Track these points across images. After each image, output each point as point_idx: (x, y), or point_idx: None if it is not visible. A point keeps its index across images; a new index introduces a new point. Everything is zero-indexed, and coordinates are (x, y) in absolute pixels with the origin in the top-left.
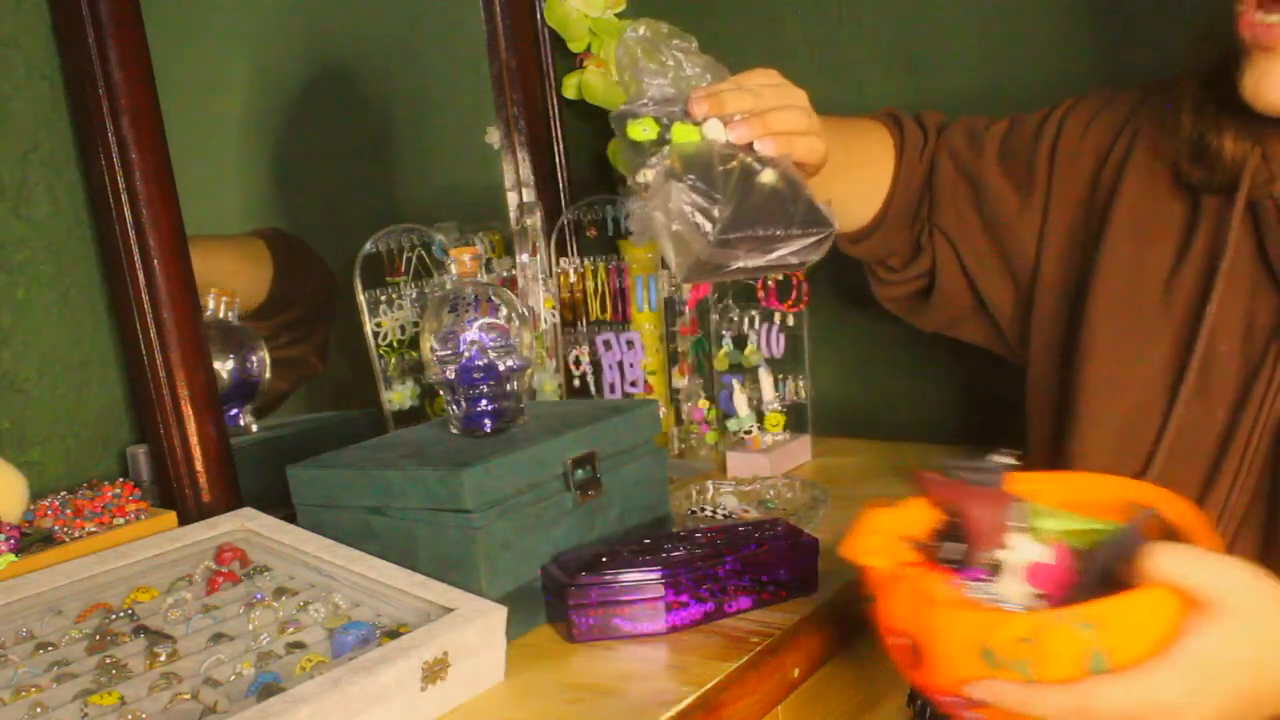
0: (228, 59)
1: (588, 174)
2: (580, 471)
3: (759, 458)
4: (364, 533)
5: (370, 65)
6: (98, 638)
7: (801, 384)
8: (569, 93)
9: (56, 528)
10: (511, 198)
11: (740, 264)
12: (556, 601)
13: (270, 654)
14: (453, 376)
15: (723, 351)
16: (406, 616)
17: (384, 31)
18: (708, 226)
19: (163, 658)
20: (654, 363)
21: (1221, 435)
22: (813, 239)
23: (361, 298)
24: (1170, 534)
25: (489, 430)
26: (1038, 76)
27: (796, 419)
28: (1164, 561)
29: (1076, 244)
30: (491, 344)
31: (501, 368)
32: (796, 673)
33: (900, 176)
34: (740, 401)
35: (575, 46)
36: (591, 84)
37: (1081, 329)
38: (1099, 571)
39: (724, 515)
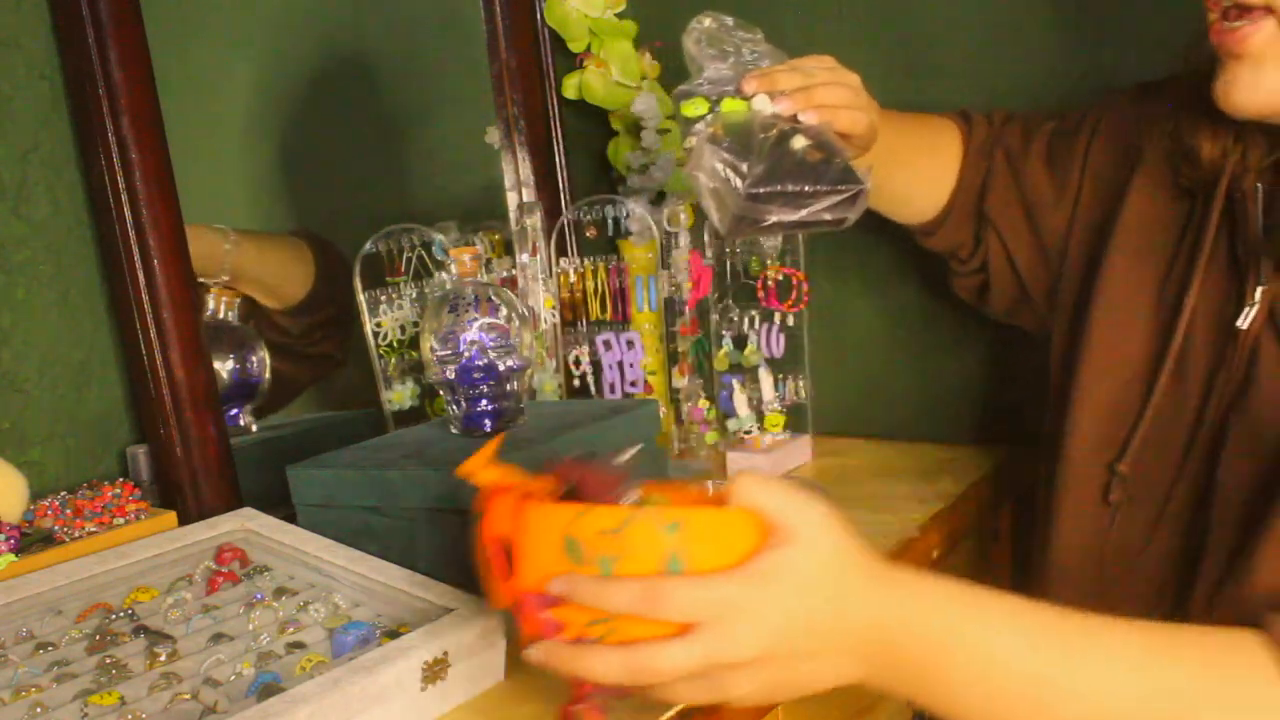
0: (228, 59)
1: (588, 174)
2: None
3: (759, 458)
4: (364, 533)
5: (370, 65)
6: (98, 638)
7: (801, 384)
8: (569, 93)
9: (56, 528)
10: (511, 198)
11: (775, 219)
12: None
13: (270, 654)
14: (453, 376)
15: (723, 351)
16: (406, 616)
17: (384, 32)
18: (738, 182)
19: (163, 658)
20: (654, 363)
21: (1192, 425)
22: (843, 195)
23: (361, 298)
24: None
25: (489, 430)
26: (1038, 76)
27: (796, 419)
28: (747, 487)
29: (1096, 238)
30: (491, 344)
31: (501, 368)
32: None
33: (965, 169)
34: (740, 401)
35: (575, 46)
36: (591, 84)
37: (1085, 318)
38: None
39: None
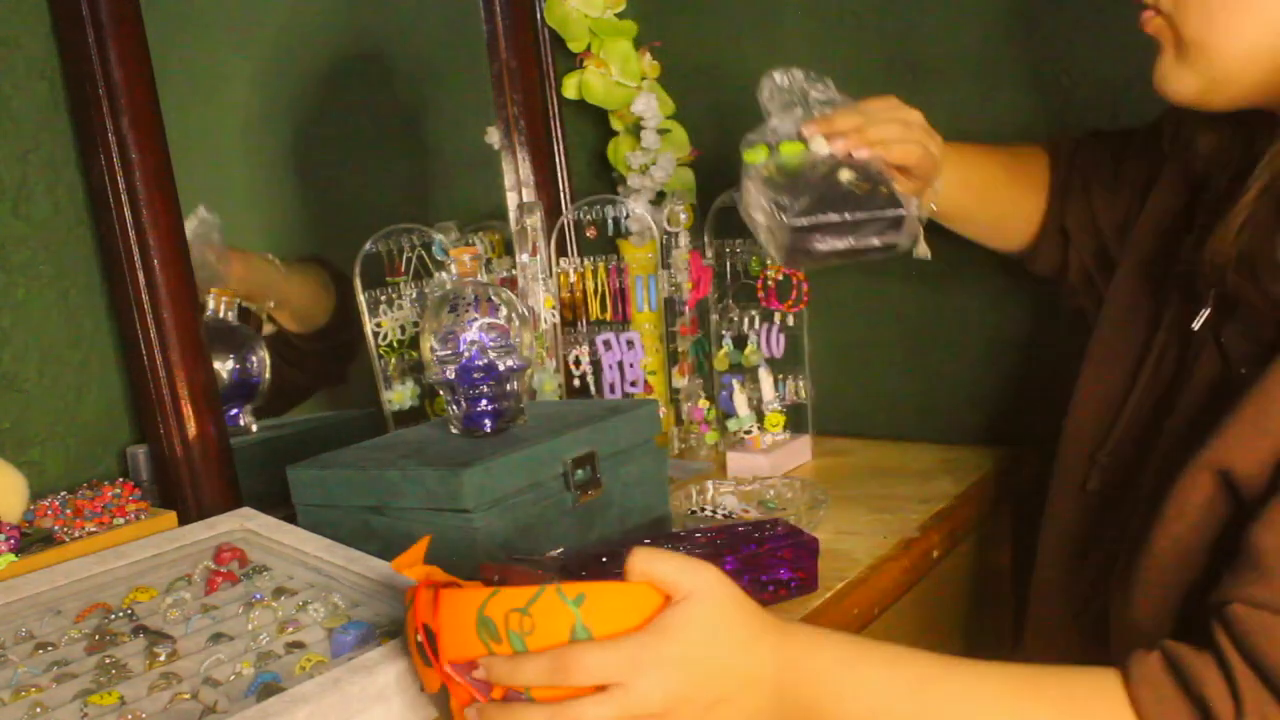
0: (228, 59)
1: (588, 174)
2: (580, 471)
3: (759, 458)
4: (364, 533)
5: (370, 65)
6: (97, 638)
7: (801, 384)
8: (569, 93)
9: (56, 528)
10: (511, 198)
11: (825, 248)
12: None
13: (270, 654)
14: (453, 376)
15: (723, 351)
16: None
17: (384, 32)
18: (783, 215)
19: (162, 657)
20: (654, 363)
21: (1154, 422)
22: (887, 220)
23: (361, 298)
24: None
25: (489, 430)
26: (1039, 77)
27: (796, 419)
28: (641, 560)
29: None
30: (491, 344)
31: (501, 368)
32: None
33: (1053, 194)
34: (740, 401)
35: (575, 46)
36: (591, 84)
37: (1096, 316)
38: None
39: (724, 515)
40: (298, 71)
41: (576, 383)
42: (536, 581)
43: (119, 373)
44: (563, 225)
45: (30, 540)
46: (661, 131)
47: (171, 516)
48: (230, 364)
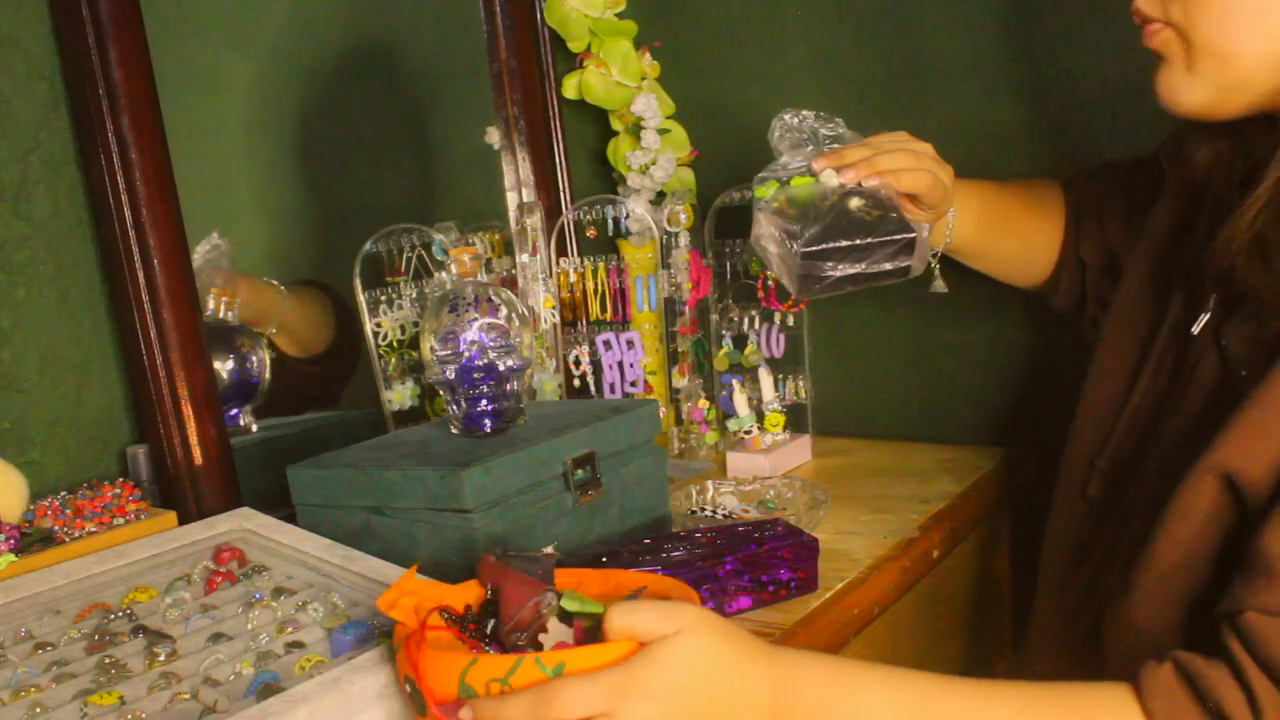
0: (228, 59)
1: (588, 174)
2: (580, 471)
3: (759, 458)
4: (364, 533)
5: (370, 65)
6: (97, 637)
7: (801, 384)
8: (569, 93)
9: (56, 528)
10: (511, 198)
11: (838, 274)
12: None
13: (269, 653)
14: (453, 376)
15: (723, 351)
16: None
17: (384, 32)
18: (792, 244)
19: (162, 657)
20: (654, 363)
21: (1153, 427)
22: (898, 244)
23: (361, 298)
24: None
25: (489, 430)
26: (1039, 77)
27: (796, 419)
28: (619, 618)
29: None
30: (491, 344)
31: (501, 368)
32: None
33: (1069, 224)
34: (740, 401)
35: (575, 46)
36: (591, 84)
37: (1101, 324)
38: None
39: (724, 515)
40: (298, 71)
41: (576, 383)
42: (535, 591)
43: (119, 373)
44: (563, 225)
45: (30, 540)
46: (661, 131)
47: (171, 516)
48: (230, 364)
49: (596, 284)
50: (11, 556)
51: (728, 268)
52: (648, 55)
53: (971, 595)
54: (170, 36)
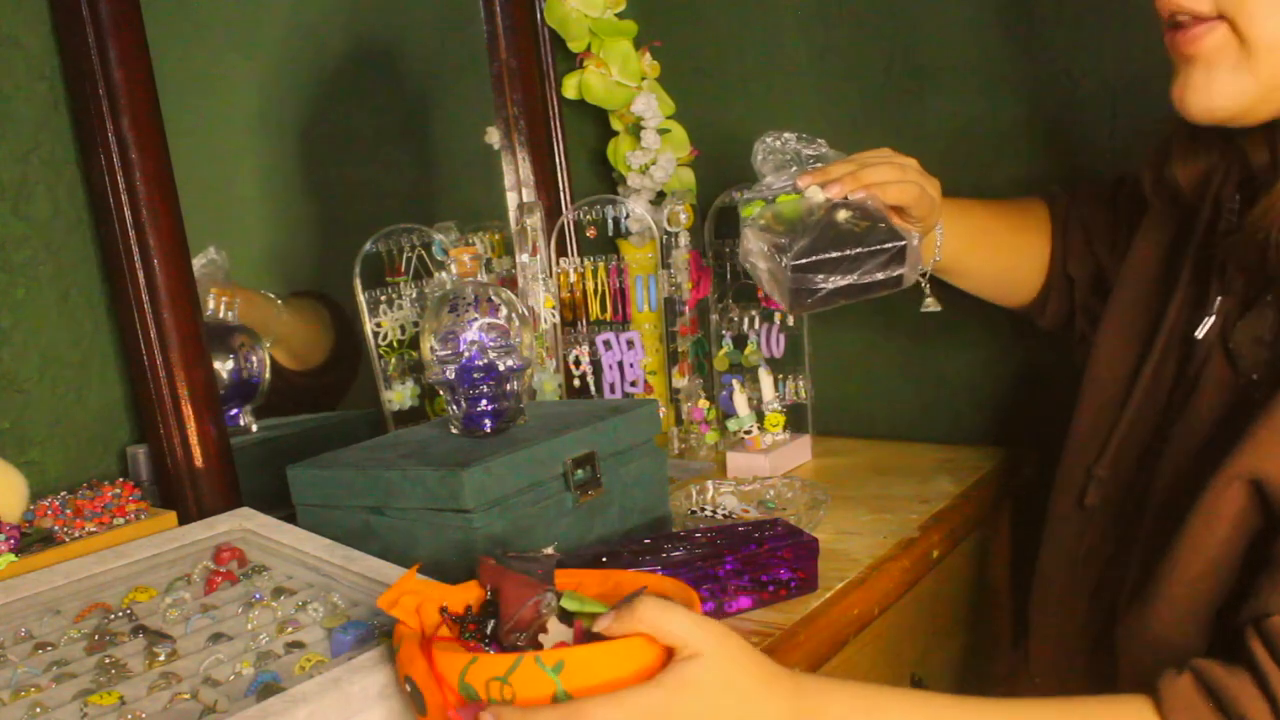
0: (228, 59)
1: (588, 174)
2: (580, 471)
3: (759, 458)
4: (364, 533)
5: (370, 66)
6: (96, 637)
7: (801, 384)
8: (569, 93)
9: (56, 528)
10: (511, 198)
11: (829, 286)
12: None
13: (269, 653)
14: (453, 376)
15: (723, 351)
16: None
17: (384, 32)
18: (781, 258)
19: (162, 657)
20: (654, 363)
21: (1154, 434)
22: (888, 253)
23: (361, 298)
24: None
25: (489, 430)
26: (1039, 77)
27: (796, 419)
28: (652, 612)
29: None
30: (491, 344)
31: (501, 368)
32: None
33: (1055, 241)
34: (740, 401)
35: (575, 46)
36: (591, 84)
37: (1094, 334)
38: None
39: (724, 515)
40: (298, 71)
41: (576, 383)
42: (534, 592)
43: (119, 373)
44: (563, 225)
45: (30, 540)
46: (661, 131)
47: (171, 516)
48: (230, 364)
49: (596, 284)
50: (11, 556)
51: (727, 268)
52: (648, 55)
53: (971, 595)
54: (170, 36)
